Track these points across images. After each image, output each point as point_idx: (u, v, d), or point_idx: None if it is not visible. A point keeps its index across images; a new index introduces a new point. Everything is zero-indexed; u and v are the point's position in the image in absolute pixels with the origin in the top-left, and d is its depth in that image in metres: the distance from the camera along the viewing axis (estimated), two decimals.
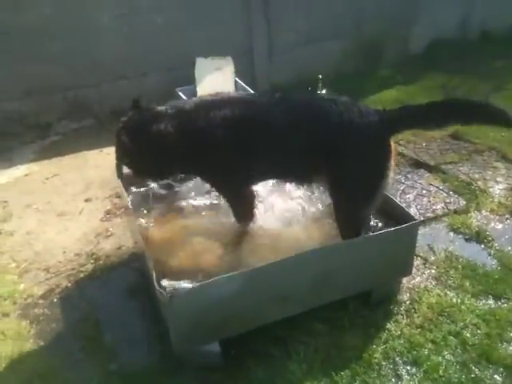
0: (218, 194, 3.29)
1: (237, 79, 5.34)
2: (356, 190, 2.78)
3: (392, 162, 2.80)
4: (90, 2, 5.13)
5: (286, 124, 2.76)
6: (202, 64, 5.30)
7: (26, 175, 4.71)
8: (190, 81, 5.15)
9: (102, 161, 4.84)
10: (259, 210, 3.26)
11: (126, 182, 3.35)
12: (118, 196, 4.15)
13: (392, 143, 2.80)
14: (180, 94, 5.02)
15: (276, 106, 2.82)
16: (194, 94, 4.92)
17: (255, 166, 2.88)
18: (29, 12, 4.95)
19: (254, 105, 2.88)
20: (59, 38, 5.14)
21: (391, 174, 2.83)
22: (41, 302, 3.21)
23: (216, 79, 5.23)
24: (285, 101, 2.87)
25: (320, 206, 3.38)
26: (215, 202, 3.45)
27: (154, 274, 2.54)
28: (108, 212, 4.06)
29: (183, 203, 3.52)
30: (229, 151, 2.81)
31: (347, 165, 2.75)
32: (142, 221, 3.33)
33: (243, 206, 3.15)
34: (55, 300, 3.22)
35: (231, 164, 2.86)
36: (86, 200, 4.24)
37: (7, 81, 5.11)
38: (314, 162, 2.83)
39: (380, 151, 2.75)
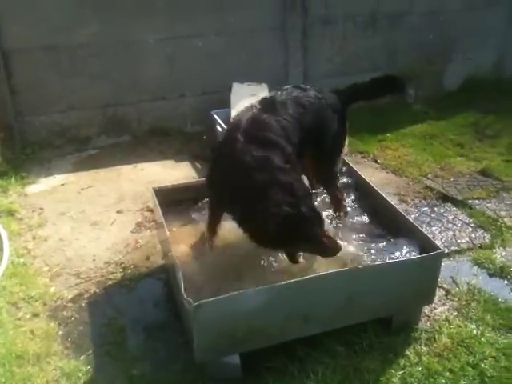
0: None
1: None
2: (332, 147, 3.47)
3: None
4: (137, 23, 5.33)
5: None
6: (238, 89, 5.42)
7: (63, 185, 4.87)
8: (225, 104, 5.27)
9: (136, 175, 5.00)
10: None
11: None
12: (149, 210, 4.28)
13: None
14: (215, 116, 5.17)
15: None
16: (229, 117, 5.04)
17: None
18: (77, 30, 5.17)
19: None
20: (103, 56, 5.36)
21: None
22: (70, 305, 3.33)
23: None
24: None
25: None
26: None
27: (182, 284, 2.63)
28: (139, 224, 4.18)
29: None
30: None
31: (326, 132, 3.40)
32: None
33: None
34: (83, 304, 3.34)
35: None
36: (118, 212, 4.38)
37: (51, 94, 5.33)
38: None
39: (342, 119, 3.49)
